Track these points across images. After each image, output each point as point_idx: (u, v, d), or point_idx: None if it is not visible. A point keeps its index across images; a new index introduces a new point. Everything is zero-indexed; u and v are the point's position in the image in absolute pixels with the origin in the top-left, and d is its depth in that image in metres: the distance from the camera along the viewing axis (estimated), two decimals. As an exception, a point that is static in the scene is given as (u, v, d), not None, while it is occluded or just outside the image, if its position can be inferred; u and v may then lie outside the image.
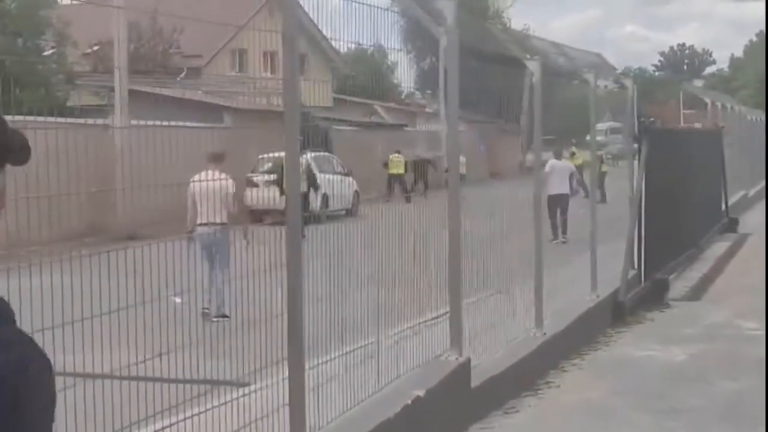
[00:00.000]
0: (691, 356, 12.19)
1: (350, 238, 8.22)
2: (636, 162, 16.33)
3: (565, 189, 21.93)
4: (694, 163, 22.08)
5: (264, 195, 21.48)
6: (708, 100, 31.18)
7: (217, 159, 13.40)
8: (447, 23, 8.21)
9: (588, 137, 14.81)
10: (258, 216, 17.25)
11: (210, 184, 13.25)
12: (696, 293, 17.07)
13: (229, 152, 14.49)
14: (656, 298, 15.81)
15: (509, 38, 11.48)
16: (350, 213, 24.90)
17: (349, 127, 37.42)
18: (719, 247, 23.27)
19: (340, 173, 27.34)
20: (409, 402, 7.72)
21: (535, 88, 11.56)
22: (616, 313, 14.31)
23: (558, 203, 20.57)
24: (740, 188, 31.82)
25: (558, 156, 22.61)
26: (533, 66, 11.46)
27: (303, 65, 30.13)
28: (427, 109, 45.29)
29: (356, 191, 28.05)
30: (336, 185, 25.88)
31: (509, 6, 72.35)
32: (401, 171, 32.71)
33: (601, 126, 54.13)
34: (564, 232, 19.46)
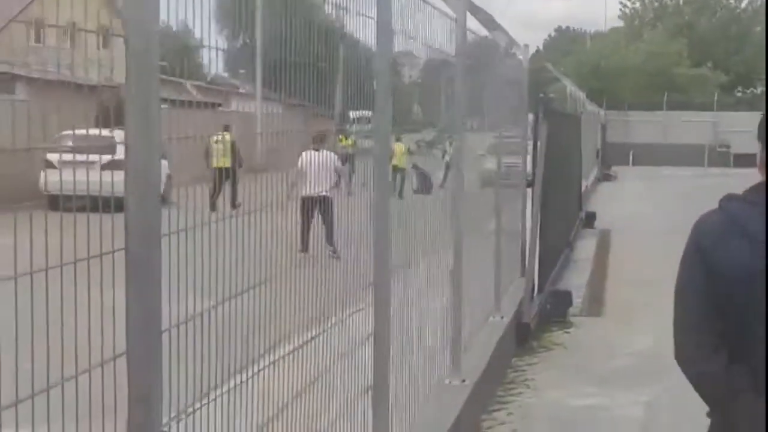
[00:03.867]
0: (651, 408, 9.21)
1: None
2: (530, 147, 13.33)
3: (323, 189, 14.30)
4: (569, 152, 19.60)
5: (65, 178, 17.73)
6: (566, 83, 28.76)
7: None
8: None
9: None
10: (56, 202, 13.66)
11: None
12: (593, 307, 14.29)
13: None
14: (556, 315, 12.97)
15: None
16: (163, 199, 21.44)
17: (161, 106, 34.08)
18: (586, 246, 20.80)
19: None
20: None
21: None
22: (520, 337, 11.37)
23: (316, 207, 14.62)
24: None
25: (319, 143, 14.99)
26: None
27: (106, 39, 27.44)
28: (240, 90, 42.57)
29: (168, 174, 24.56)
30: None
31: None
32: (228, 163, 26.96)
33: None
34: (330, 242, 13.76)
